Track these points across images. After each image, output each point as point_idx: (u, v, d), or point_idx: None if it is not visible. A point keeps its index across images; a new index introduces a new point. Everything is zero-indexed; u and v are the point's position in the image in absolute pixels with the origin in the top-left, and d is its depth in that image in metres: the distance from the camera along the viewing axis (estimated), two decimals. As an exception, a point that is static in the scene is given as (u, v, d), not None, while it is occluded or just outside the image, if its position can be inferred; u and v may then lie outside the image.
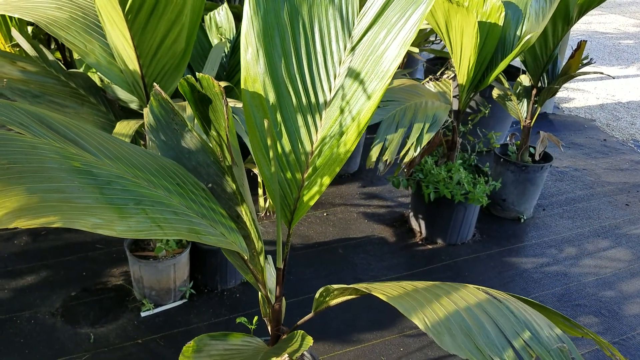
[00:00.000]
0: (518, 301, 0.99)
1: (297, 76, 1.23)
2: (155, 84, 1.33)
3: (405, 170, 2.68)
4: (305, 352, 1.65)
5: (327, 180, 1.22)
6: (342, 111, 1.21)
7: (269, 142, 1.19)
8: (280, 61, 1.21)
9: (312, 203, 1.25)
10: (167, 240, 2.17)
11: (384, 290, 0.99)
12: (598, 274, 2.66)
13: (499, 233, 2.94)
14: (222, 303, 2.27)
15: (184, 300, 2.26)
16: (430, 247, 2.78)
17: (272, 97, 1.22)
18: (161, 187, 1.08)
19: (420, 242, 2.81)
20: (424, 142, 2.25)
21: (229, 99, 1.89)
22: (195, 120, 1.33)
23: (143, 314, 2.18)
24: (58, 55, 2.98)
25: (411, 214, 2.91)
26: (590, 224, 3.10)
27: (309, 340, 1.07)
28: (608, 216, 3.19)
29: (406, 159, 2.22)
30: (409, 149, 2.22)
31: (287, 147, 1.26)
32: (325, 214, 2.98)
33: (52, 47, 3.00)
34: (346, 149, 1.19)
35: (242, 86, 1.21)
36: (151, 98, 1.29)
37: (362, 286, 1.04)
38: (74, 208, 0.83)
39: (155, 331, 2.10)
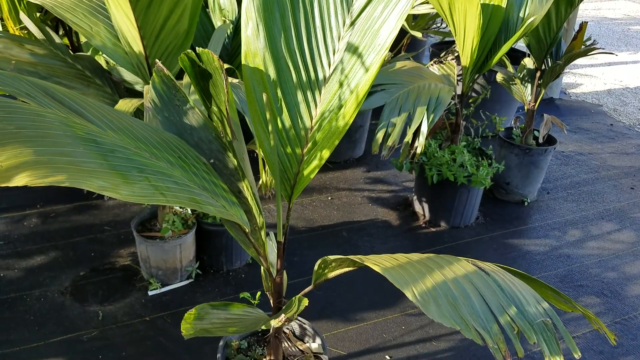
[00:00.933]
0: (507, 273, 1.01)
1: (297, 51, 1.25)
2: (157, 60, 1.36)
3: (408, 153, 2.69)
4: (308, 328, 1.68)
5: (326, 153, 1.25)
6: (341, 85, 1.23)
7: (268, 116, 1.21)
8: (280, 36, 1.24)
9: (312, 176, 1.28)
10: (173, 221, 2.21)
11: (377, 261, 1.02)
12: (601, 256, 2.67)
13: (502, 216, 2.96)
14: (228, 282, 2.31)
15: (190, 280, 2.31)
16: (433, 229, 2.80)
17: (272, 72, 1.24)
18: (163, 159, 1.11)
19: (423, 225, 2.83)
20: (429, 125, 2.26)
21: (230, 77, 1.92)
22: (197, 96, 1.36)
23: (150, 293, 2.22)
24: (66, 40, 3.01)
25: (415, 197, 2.93)
26: (594, 207, 3.10)
27: (305, 301, 1.10)
28: (613, 199, 3.19)
29: (415, 144, 2.24)
30: (415, 133, 2.23)
31: (287, 122, 1.28)
32: (329, 198, 3.01)
33: (60, 32, 3.04)
34: (345, 121, 1.21)
35: (243, 61, 1.23)
36: (153, 74, 1.31)
37: (357, 257, 1.07)
38: (80, 171, 0.86)
39: (162, 309, 2.14)
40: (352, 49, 1.22)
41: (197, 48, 1.15)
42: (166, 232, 2.18)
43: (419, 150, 2.28)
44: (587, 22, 2.53)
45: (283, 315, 1.04)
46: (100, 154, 0.94)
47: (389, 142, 2.22)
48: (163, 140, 1.18)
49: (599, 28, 7.15)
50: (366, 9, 1.23)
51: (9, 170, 0.79)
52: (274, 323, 1.05)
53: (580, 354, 0.89)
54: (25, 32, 2.33)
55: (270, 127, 1.21)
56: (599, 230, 2.88)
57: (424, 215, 2.88)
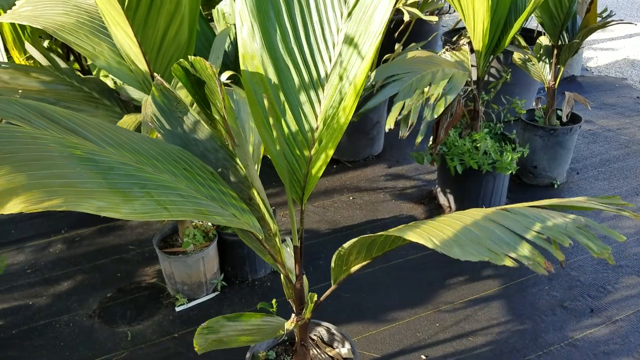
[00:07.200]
0: (535, 208, 0.98)
1: (296, 49, 1.21)
2: (155, 74, 1.34)
3: (432, 148, 2.61)
4: (336, 332, 1.64)
5: (331, 151, 1.20)
6: (340, 78, 1.18)
7: (271, 120, 1.17)
8: (276, 35, 1.20)
9: (319, 175, 1.23)
10: (193, 235, 2.19)
11: (393, 232, 0.99)
12: (639, 234, 2.56)
13: (532, 201, 2.85)
14: (254, 292, 2.28)
15: (216, 293, 2.28)
16: (461, 221, 2.72)
17: (271, 73, 1.20)
18: (167, 171, 1.08)
19: (450, 217, 2.75)
20: (447, 102, 2.18)
21: (236, 87, 1.89)
22: (196, 106, 1.33)
23: (177, 309, 2.20)
24: (76, 65, 3.04)
25: (439, 189, 2.86)
26: (627, 183, 2.98)
27: (314, 297, 1.06)
28: (646, 174, 3.06)
29: (439, 138, 2.16)
30: (437, 125, 2.16)
31: (293, 124, 1.24)
32: (351, 198, 2.95)
33: (71, 59, 3.07)
34: (345, 115, 1.17)
35: (241, 64, 1.20)
36: (153, 88, 1.29)
37: (367, 237, 1.03)
38: (77, 192, 0.83)
39: (191, 324, 2.12)
40: (348, 40, 1.18)
41: (189, 57, 1.12)
42: (187, 246, 2.16)
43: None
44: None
45: (293, 315, 0.99)
46: (99, 172, 0.91)
47: (412, 120, 2.13)
48: (165, 152, 1.15)
49: (617, 0, 6.94)
50: (362, -2, 1.18)
51: (1, 197, 0.77)
52: (287, 325, 1.01)
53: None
54: (32, 61, 2.35)
55: (275, 132, 1.17)
56: (635, 207, 2.76)
57: (450, 206, 2.80)
